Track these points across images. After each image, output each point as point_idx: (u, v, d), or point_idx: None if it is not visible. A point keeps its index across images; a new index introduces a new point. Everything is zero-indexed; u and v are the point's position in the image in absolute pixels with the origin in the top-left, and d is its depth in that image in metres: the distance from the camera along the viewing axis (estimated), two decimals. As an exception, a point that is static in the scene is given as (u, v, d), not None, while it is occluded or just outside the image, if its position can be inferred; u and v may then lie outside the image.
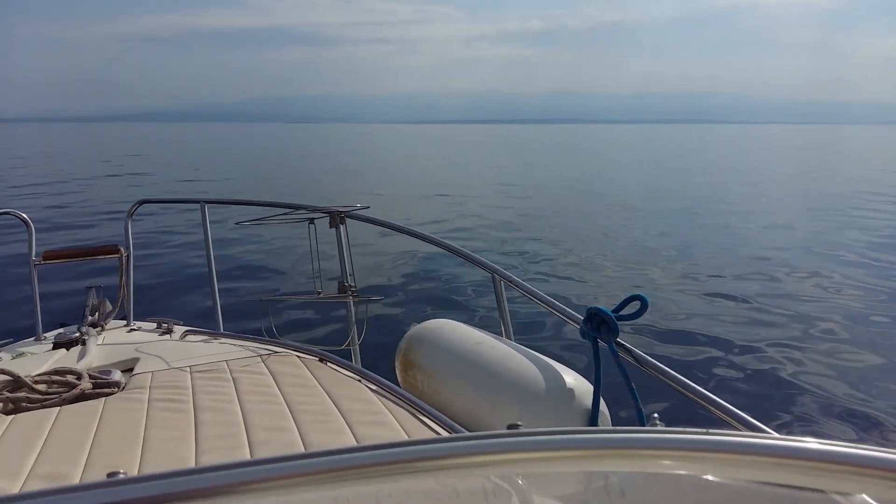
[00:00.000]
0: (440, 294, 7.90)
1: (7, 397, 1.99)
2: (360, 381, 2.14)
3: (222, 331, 3.01)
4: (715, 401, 1.44)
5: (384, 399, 1.96)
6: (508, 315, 2.50)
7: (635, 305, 1.73)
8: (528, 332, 6.12)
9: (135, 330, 3.27)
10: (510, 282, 2.43)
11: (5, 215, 3.43)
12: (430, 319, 2.54)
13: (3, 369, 2.10)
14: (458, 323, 2.44)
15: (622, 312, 1.76)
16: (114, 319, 3.45)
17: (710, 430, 0.62)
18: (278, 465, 0.54)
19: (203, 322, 3.27)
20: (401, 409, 1.91)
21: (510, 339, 2.34)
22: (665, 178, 25.70)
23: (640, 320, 2.87)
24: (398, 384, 2.26)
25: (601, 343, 1.78)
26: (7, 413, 1.94)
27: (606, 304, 1.79)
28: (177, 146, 58.41)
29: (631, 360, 1.72)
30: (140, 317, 3.51)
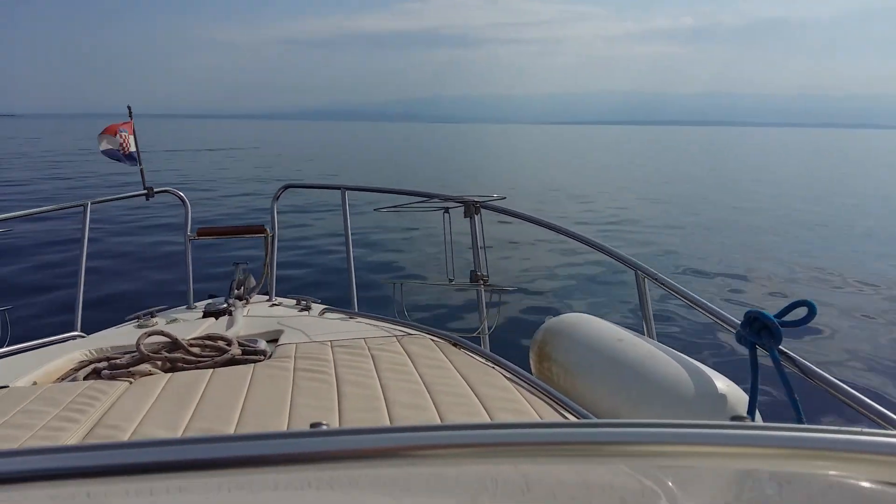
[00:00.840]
0: (575, 288, 7.75)
1: (165, 356, 2.15)
2: (493, 367, 2.10)
3: (357, 310, 3.08)
4: None
5: (519, 387, 1.90)
6: (651, 313, 2.37)
7: (801, 311, 1.54)
8: (669, 332, 5.85)
9: (276, 305, 3.43)
10: (654, 279, 2.30)
11: (165, 193, 3.72)
12: (566, 313, 2.51)
13: (162, 331, 2.26)
14: (597, 318, 2.39)
15: (786, 318, 1.58)
16: (257, 294, 3.64)
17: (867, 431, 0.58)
18: (467, 432, 0.56)
19: (338, 302, 3.36)
20: (536, 398, 1.85)
21: (653, 339, 2.21)
22: (837, 188, 23.03)
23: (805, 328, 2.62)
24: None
25: (759, 350, 1.61)
26: (165, 371, 2.09)
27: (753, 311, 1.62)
28: (324, 142, 61.49)
29: (795, 370, 1.53)
30: (280, 293, 3.68)
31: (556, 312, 2.60)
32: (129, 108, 3.48)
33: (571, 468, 0.78)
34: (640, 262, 2.42)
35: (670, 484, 0.80)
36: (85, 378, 2.08)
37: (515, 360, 2.25)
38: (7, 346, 2.56)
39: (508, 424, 0.59)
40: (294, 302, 3.47)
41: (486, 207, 3.06)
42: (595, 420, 0.62)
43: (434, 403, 1.76)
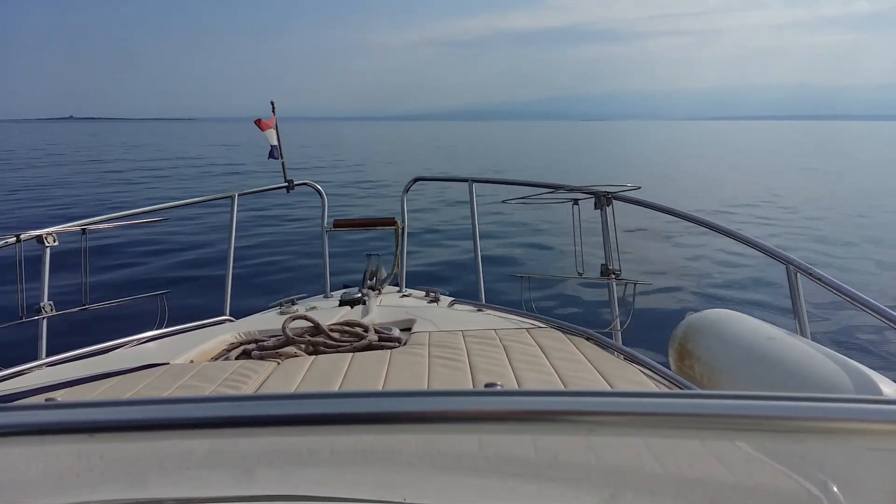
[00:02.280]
0: (715, 283, 7.34)
1: (308, 340, 2.26)
2: (630, 363, 2.01)
3: (485, 302, 3.08)
4: None
5: (658, 384, 1.81)
6: (804, 310, 2.18)
7: None
8: (825, 331, 5.44)
9: (406, 296, 3.51)
10: (808, 273, 2.10)
11: (303, 186, 3.90)
12: (709, 309, 2.38)
13: (306, 316, 2.39)
14: (743, 314, 2.26)
15: None
16: (388, 285, 3.74)
17: None
18: (636, 399, 0.57)
19: (465, 294, 3.38)
20: None
21: (806, 337, 2.03)
22: None
23: None
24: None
25: None
26: (308, 353, 2.20)
27: None
28: (467, 142, 62.14)
29: None
30: (410, 284, 3.76)
31: (696, 308, 2.47)
32: (272, 103, 3.68)
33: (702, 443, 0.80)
34: (791, 255, 2.23)
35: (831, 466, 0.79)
36: (236, 358, 2.22)
37: (650, 357, 2.15)
38: (165, 327, 2.80)
39: (663, 394, 0.59)
40: (423, 293, 3.53)
41: (617, 198, 2.94)
42: (743, 393, 0.59)
43: None
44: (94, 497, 0.87)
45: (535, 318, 2.62)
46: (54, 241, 2.73)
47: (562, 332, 2.35)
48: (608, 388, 1.70)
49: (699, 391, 0.58)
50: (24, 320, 2.65)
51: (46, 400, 1.73)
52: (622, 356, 2.12)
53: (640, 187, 2.93)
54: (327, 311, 3.02)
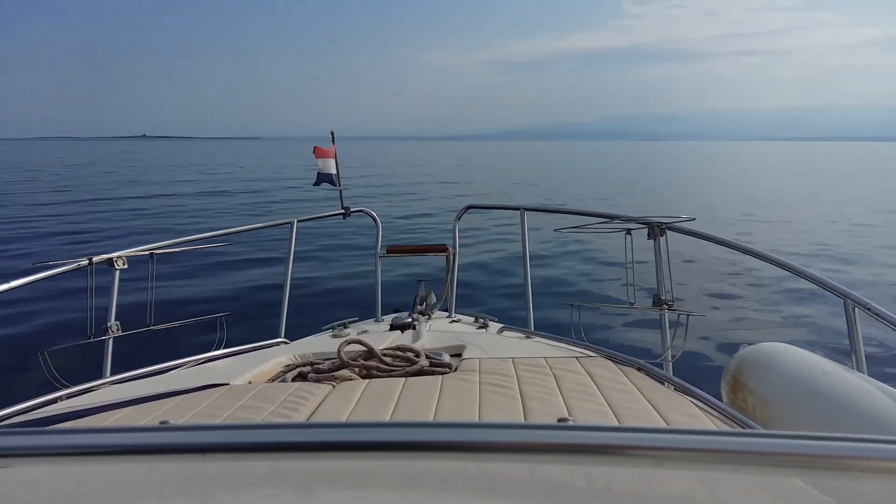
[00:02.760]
0: (770, 316, 7.14)
1: (362, 364, 2.31)
2: (682, 395, 1.98)
3: (534, 330, 3.08)
4: None
5: (712, 417, 1.78)
6: (862, 346, 2.12)
7: None
8: (885, 372, 5.19)
9: (456, 321, 3.53)
10: (867, 309, 2.05)
11: (359, 213, 4.01)
12: (764, 342, 2.35)
13: (360, 340, 2.44)
14: (799, 349, 2.23)
15: None
16: (438, 310, 3.78)
17: None
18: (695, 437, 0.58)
19: (514, 321, 3.38)
20: (731, 428, 1.71)
21: (863, 373, 1.97)
22: None
23: None
24: None
25: None
26: (362, 377, 2.25)
27: None
28: (526, 163, 62.29)
29: None
30: (459, 310, 3.79)
31: (750, 341, 2.43)
32: (332, 133, 3.81)
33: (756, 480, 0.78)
34: (849, 289, 2.18)
35: None
36: (292, 380, 2.29)
37: (702, 389, 2.12)
38: (224, 348, 2.90)
39: (723, 432, 0.59)
40: (472, 319, 3.55)
41: (671, 229, 2.93)
42: (787, 432, 0.59)
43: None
44: None
45: (585, 347, 2.61)
46: (124, 265, 2.87)
47: (612, 361, 2.34)
48: (661, 421, 1.69)
49: (758, 430, 0.60)
50: (91, 340, 2.78)
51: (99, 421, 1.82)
52: (674, 387, 2.09)
53: (694, 218, 2.90)
54: (379, 335, 3.07)
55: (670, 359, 2.79)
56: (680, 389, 2.06)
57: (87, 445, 0.59)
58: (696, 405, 1.86)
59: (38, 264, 2.62)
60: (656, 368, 2.27)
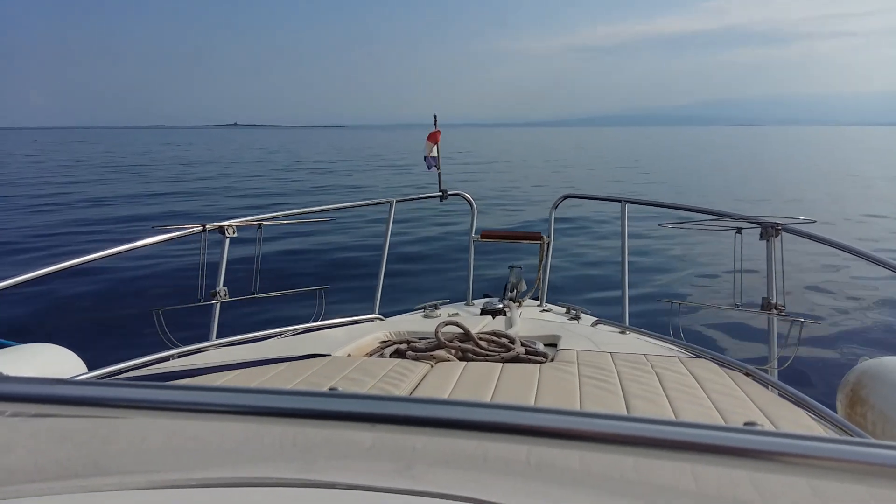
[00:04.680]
0: (893, 328, 6.59)
1: (458, 346, 2.32)
2: (795, 404, 1.87)
3: (628, 325, 2.99)
4: None
5: (828, 429, 1.67)
6: None
7: None
8: None
9: (546, 311, 3.49)
10: None
11: (456, 196, 4.02)
12: (888, 356, 2.20)
13: (458, 322, 2.44)
14: None
15: None
16: (528, 298, 3.74)
17: None
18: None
19: (606, 315, 3.30)
20: None
21: None
22: None
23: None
24: None
25: None
26: (459, 359, 2.27)
27: None
28: (614, 149, 60.81)
29: None
30: (550, 300, 3.73)
31: (869, 354, 2.25)
32: (434, 116, 3.83)
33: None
34: None
35: None
36: (390, 356, 2.34)
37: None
38: (322, 319, 3.00)
39: (845, 440, 0.54)
40: (564, 310, 3.49)
41: (787, 231, 2.74)
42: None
43: None
44: (270, 474, 0.95)
45: (687, 347, 2.50)
46: (234, 233, 3.01)
47: (716, 363, 2.23)
48: (773, 428, 1.59)
49: (879, 441, 0.54)
50: (202, 303, 2.94)
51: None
52: (784, 396, 1.97)
53: (815, 221, 2.70)
54: (470, 319, 3.08)
55: (776, 366, 2.63)
56: (791, 398, 1.94)
57: (201, 403, 0.61)
58: (810, 416, 1.74)
59: (157, 227, 2.79)
60: (767, 375, 2.15)
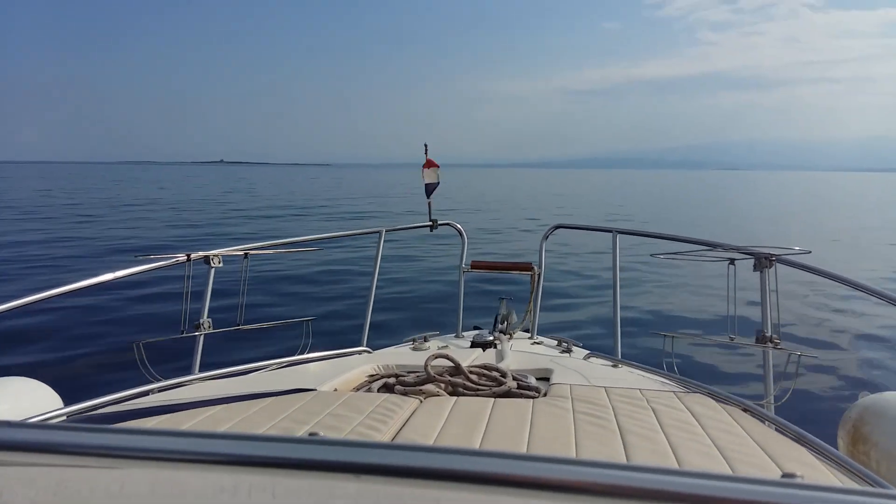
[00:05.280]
0: (892, 363, 6.58)
1: (448, 380, 2.25)
2: (794, 440, 1.81)
3: (622, 358, 2.94)
4: None
5: (832, 469, 1.60)
6: None
7: None
8: None
9: (537, 343, 3.43)
10: None
11: (446, 226, 3.98)
12: (890, 391, 2.13)
13: (448, 356, 2.37)
14: None
15: None
16: (519, 331, 3.68)
17: None
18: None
19: (597, 348, 3.25)
20: (853, 483, 1.54)
21: None
22: None
23: None
24: None
25: None
26: (449, 393, 2.19)
27: None
28: (599, 190, 61.31)
29: None
30: (541, 332, 3.68)
31: (870, 388, 2.21)
32: (425, 145, 3.81)
33: None
34: None
35: None
36: (378, 390, 2.26)
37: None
38: (308, 352, 2.92)
39: (861, 491, 0.50)
40: (555, 343, 3.44)
41: (781, 262, 2.72)
42: None
43: (733, 472, 1.56)
44: None
45: (682, 382, 2.44)
46: (219, 263, 2.94)
47: (713, 398, 2.17)
48: (777, 470, 1.55)
49: (890, 489, 0.49)
50: (184, 335, 2.86)
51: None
52: (783, 431, 1.91)
53: (809, 251, 2.68)
54: (460, 352, 3.01)
55: (773, 401, 2.58)
56: (791, 434, 1.88)
57: (170, 450, 0.55)
58: (812, 454, 1.68)
59: (140, 257, 2.72)
60: (766, 412, 2.09)
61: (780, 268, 2.71)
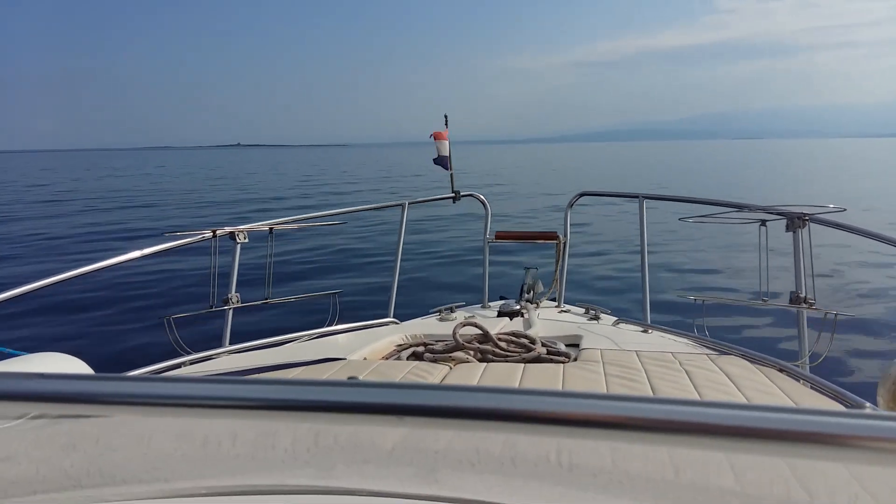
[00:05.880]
0: None
1: (477, 347, 2.26)
2: (833, 399, 1.77)
3: (650, 323, 2.91)
4: None
5: None
6: None
7: None
8: None
9: (565, 311, 3.41)
10: None
11: (469, 197, 3.94)
12: None
13: (476, 323, 2.38)
14: None
15: None
16: (545, 299, 3.66)
17: None
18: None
19: (626, 314, 3.22)
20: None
21: None
22: None
23: None
24: None
25: None
26: (478, 360, 2.20)
27: None
28: (619, 162, 60.34)
29: None
30: (568, 301, 3.65)
31: None
32: (445, 116, 3.75)
33: None
34: None
35: None
36: (408, 359, 2.28)
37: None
38: (336, 324, 2.94)
39: None
40: (583, 310, 3.41)
41: (815, 221, 2.64)
42: None
43: None
44: (285, 481, 0.89)
45: (715, 344, 2.40)
46: (245, 238, 2.95)
47: (747, 360, 2.13)
48: None
49: None
50: (213, 309, 2.89)
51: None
52: (819, 390, 1.88)
53: (844, 209, 2.60)
54: (488, 321, 3.00)
55: (808, 364, 2.54)
56: (829, 393, 1.84)
57: (212, 396, 0.55)
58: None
59: (167, 234, 2.74)
60: (801, 371, 2.05)
61: (814, 228, 2.64)
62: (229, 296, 2.93)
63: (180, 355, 2.33)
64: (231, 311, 2.94)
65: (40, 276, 2.11)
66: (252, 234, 3.00)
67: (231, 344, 2.62)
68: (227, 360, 2.35)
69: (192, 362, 2.31)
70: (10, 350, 1.90)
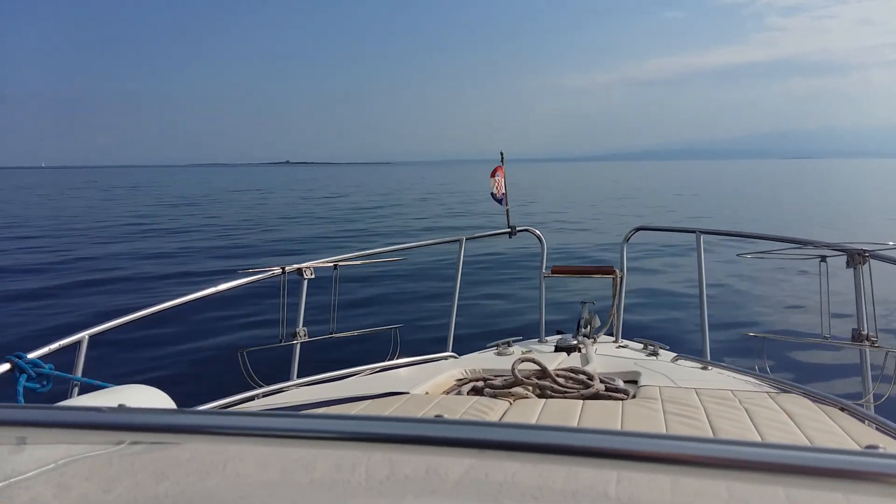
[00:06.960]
0: None
1: (536, 383, 2.29)
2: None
3: (710, 360, 2.90)
4: None
5: None
6: None
7: None
8: None
9: (622, 347, 3.42)
10: None
11: (525, 232, 4.01)
12: None
13: (534, 359, 2.42)
14: None
15: None
16: (603, 334, 3.68)
17: None
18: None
19: (686, 350, 3.21)
20: None
21: None
22: None
23: None
24: None
25: None
26: (537, 396, 2.23)
27: None
28: (670, 182, 59.40)
29: None
30: (625, 336, 3.66)
31: None
32: (501, 153, 3.86)
33: None
34: None
35: None
36: (468, 393, 2.34)
37: None
38: (397, 357, 3.04)
39: None
40: (641, 346, 3.41)
41: (875, 257, 2.61)
42: None
43: None
44: None
45: (775, 382, 2.38)
46: (311, 274, 3.10)
47: (809, 399, 2.12)
48: None
49: None
50: (283, 343, 3.04)
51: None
52: (885, 431, 1.85)
53: None
54: (545, 356, 3.05)
55: (872, 403, 2.49)
56: (893, 433, 1.82)
57: (309, 430, 0.62)
58: None
59: (239, 271, 2.91)
60: (865, 411, 2.02)
61: (875, 264, 2.61)
62: (297, 330, 3.07)
63: (253, 388, 2.47)
64: (299, 345, 3.07)
65: (122, 313, 2.29)
66: (318, 270, 3.15)
67: (299, 376, 2.75)
68: (296, 392, 2.47)
69: (265, 395, 2.44)
70: (100, 382, 2.07)
